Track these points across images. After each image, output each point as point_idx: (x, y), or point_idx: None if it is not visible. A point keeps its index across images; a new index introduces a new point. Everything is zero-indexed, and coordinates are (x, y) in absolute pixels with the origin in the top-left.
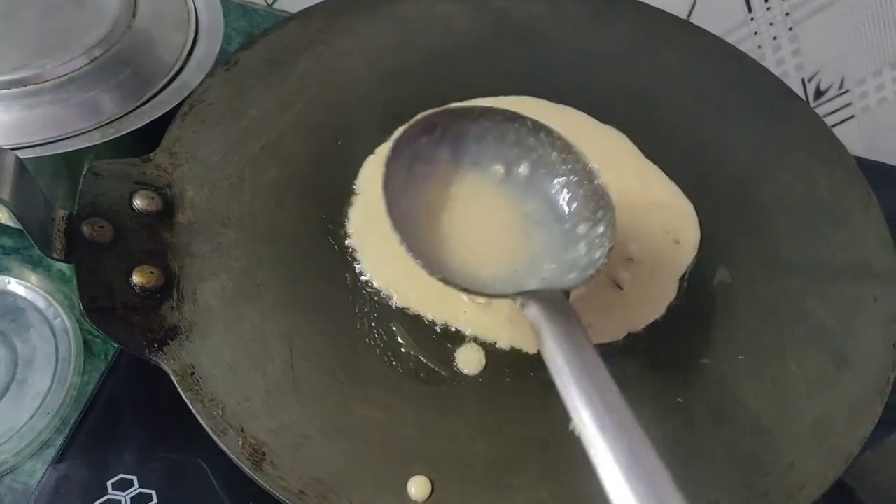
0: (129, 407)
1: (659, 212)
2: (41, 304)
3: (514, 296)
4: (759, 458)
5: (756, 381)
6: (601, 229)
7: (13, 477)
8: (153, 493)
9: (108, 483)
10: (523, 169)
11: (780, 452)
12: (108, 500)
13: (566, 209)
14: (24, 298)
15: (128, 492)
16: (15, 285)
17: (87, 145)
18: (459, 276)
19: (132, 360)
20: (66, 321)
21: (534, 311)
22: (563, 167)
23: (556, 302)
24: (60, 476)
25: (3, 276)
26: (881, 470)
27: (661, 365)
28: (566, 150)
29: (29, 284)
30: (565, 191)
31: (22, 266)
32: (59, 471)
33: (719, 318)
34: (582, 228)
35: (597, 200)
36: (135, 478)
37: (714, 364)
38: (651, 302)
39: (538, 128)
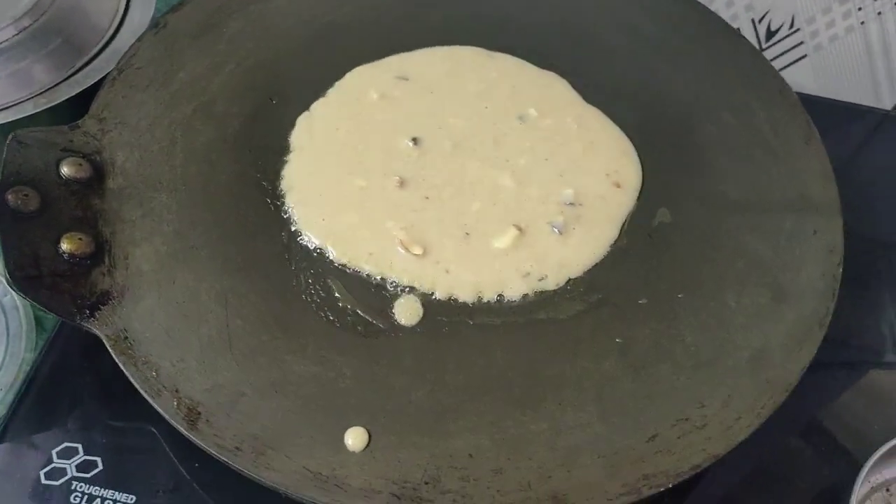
0: (73, 376)
1: (599, 155)
2: None
3: None
4: (698, 391)
5: (694, 317)
6: None
7: None
8: (98, 459)
9: (53, 452)
10: None
11: (718, 385)
12: (53, 468)
13: None
14: None
15: (72, 459)
16: None
17: (19, 116)
18: None
19: (75, 329)
20: (15, 298)
21: None
22: None
23: None
24: (6, 448)
25: None
26: (857, 412)
27: (600, 306)
28: None
29: None
30: None
31: None
32: (5, 443)
33: (659, 258)
34: None
35: None
36: (79, 445)
37: (653, 303)
38: (591, 246)
39: None
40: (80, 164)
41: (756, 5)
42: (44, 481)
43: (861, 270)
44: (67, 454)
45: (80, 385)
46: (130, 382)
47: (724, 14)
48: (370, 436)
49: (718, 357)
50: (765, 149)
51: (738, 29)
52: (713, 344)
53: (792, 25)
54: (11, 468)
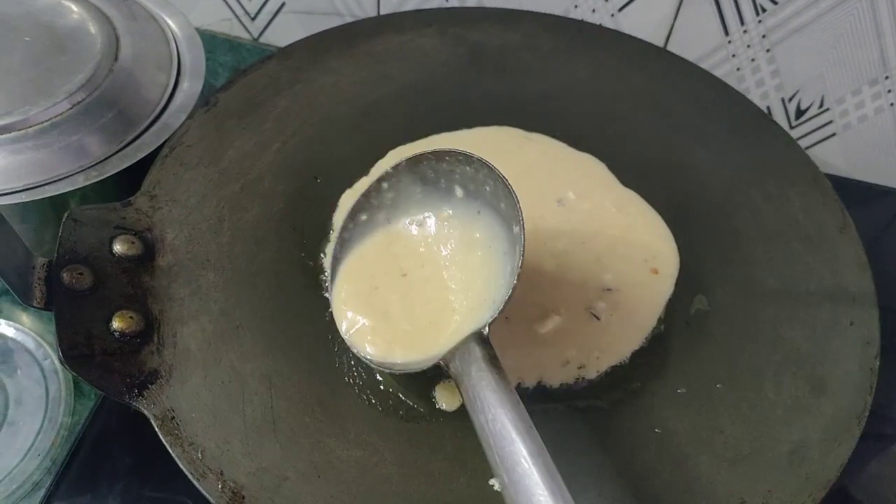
0: (115, 446)
1: (637, 239)
2: (31, 344)
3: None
4: (738, 485)
5: (734, 408)
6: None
7: None
8: None
9: None
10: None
11: (758, 480)
12: None
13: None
14: (14, 339)
15: None
16: (4, 326)
17: (71, 189)
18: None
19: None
20: (55, 362)
21: (453, 368)
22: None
23: (472, 352)
24: None
25: None
26: (887, 480)
27: (638, 394)
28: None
29: (19, 326)
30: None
31: (12, 307)
32: None
33: (696, 346)
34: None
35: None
36: None
37: (691, 393)
38: (630, 332)
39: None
40: (133, 242)
41: (786, 85)
42: None
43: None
44: None
45: (120, 457)
46: (169, 455)
47: (755, 93)
48: None
49: (758, 451)
50: (800, 237)
51: (769, 107)
52: (752, 437)
53: (822, 105)
54: None
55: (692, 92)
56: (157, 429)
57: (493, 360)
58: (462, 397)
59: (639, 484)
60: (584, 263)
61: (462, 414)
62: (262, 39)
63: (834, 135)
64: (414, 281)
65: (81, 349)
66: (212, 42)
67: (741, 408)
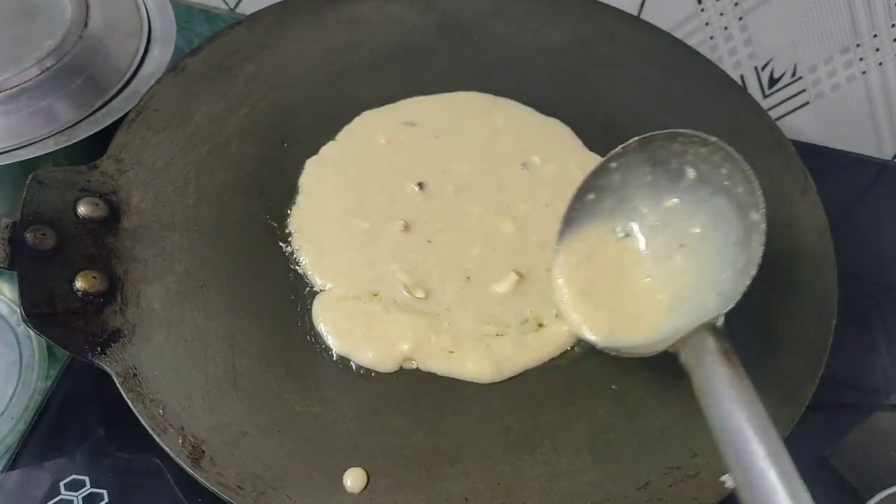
0: (83, 407)
1: None
2: (4, 310)
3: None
4: (691, 440)
5: None
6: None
7: None
8: (104, 492)
9: (61, 484)
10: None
11: (711, 435)
12: (61, 500)
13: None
14: None
15: (80, 492)
16: None
17: (41, 153)
18: None
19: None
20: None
21: (683, 358)
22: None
23: (705, 343)
24: (15, 479)
25: None
26: (864, 450)
27: (597, 352)
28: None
29: None
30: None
31: None
32: (14, 474)
33: None
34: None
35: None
36: (87, 478)
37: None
38: None
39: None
40: (97, 204)
41: (759, 53)
42: None
43: (862, 314)
44: (75, 486)
45: (88, 416)
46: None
47: (728, 61)
48: (369, 477)
49: None
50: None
51: (742, 76)
52: None
53: (794, 73)
54: (20, 498)
55: (662, 59)
56: (119, 386)
57: (729, 354)
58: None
59: (594, 439)
60: (547, 225)
61: (418, 372)
62: (238, 10)
63: (807, 103)
64: (629, 267)
65: (44, 308)
66: (188, 13)
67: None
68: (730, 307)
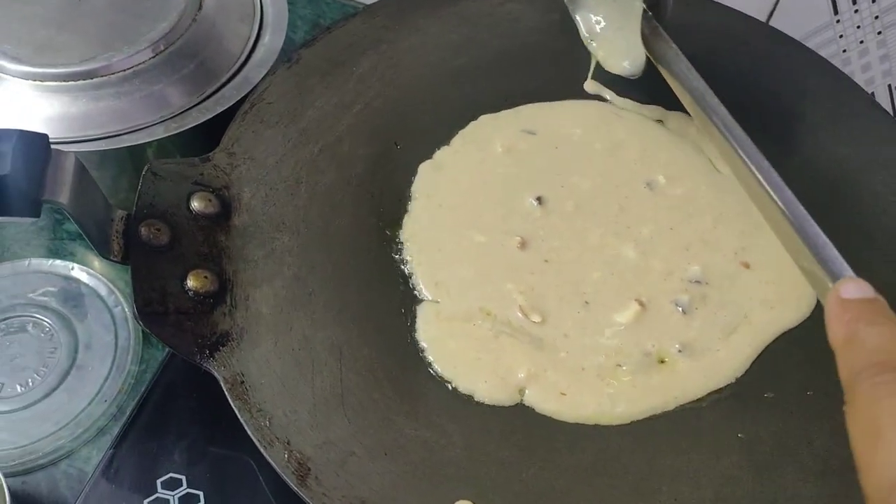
0: (182, 400)
1: (729, 229)
2: (103, 291)
3: None
4: (822, 501)
5: (824, 418)
6: None
7: (69, 462)
8: (200, 493)
9: (158, 482)
10: None
11: (846, 497)
12: (157, 498)
13: None
14: (87, 285)
15: (176, 491)
16: (78, 271)
17: (150, 139)
18: None
19: None
20: (126, 310)
21: None
22: None
23: None
24: (114, 467)
25: (67, 262)
26: None
27: (721, 395)
28: None
29: (92, 271)
30: None
31: (86, 252)
32: (114, 461)
33: (789, 349)
34: None
35: None
36: (183, 477)
37: (780, 399)
38: (716, 330)
39: None
40: (210, 200)
41: (895, 71)
42: None
43: None
44: (172, 485)
45: (188, 410)
46: (233, 414)
47: (860, 78)
48: None
49: (847, 465)
50: None
51: (874, 94)
52: (842, 450)
53: None
54: (119, 491)
55: (793, 72)
56: (226, 392)
57: None
58: None
59: (718, 491)
60: (670, 252)
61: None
62: None
63: None
64: None
65: (156, 306)
66: None
67: (832, 418)
68: None
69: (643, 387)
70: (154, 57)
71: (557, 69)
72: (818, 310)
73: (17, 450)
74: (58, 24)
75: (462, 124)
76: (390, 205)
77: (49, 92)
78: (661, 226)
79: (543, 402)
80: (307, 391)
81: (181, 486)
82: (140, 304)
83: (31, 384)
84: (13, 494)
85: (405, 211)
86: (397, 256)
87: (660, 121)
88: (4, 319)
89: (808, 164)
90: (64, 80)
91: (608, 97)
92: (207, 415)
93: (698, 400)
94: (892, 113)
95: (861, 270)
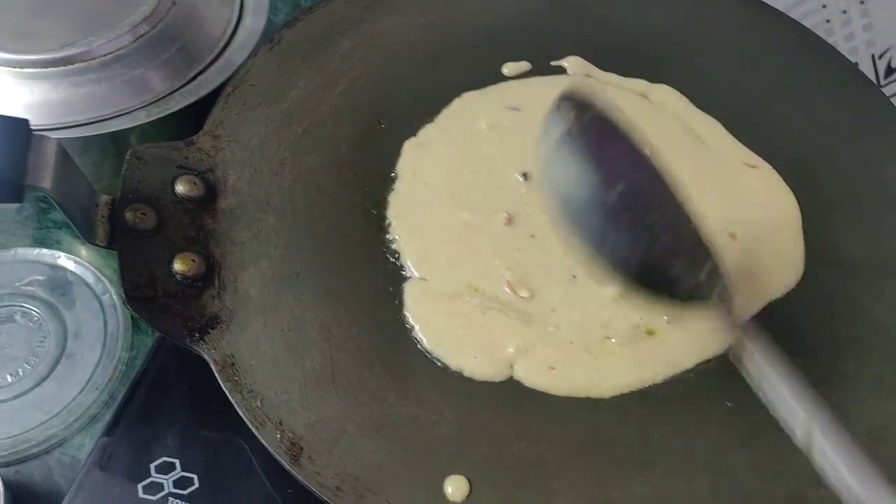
0: (174, 385)
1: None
2: (90, 279)
3: None
4: (808, 467)
5: (812, 386)
6: None
7: (62, 450)
8: (195, 476)
9: (152, 466)
10: None
11: None
12: (152, 482)
13: None
14: (74, 273)
15: (170, 475)
16: (65, 260)
17: (133, 124)
18: None
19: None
20: (114, 297)
21: None
22: None
23: None
24: (107, 453)
25: (54, 251)
26: None
27: (711, 366)
28: None
29: (79, 259)
30: None
31: (73, 240)
32: (107, 447)
33: (775, 319)
34: None
35: None
36: (177, 461)
37: None
38: None
39: None
40: (195, 183)
41: (878, 41)
42: (141, 495)
43: None
44: (165, 469)
45: (180, 394)
46: (225, 397)
47: (843, 47)
48: (471, 486)
49: None
50: (893, 206)
51: (857, 64)
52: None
53: None
54: (113, 476)
55: (778, 43)
56: (217, 374)
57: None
58: None
59: (710, 461)
60: None
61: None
62: None
63: None
64: None
65: (144, 290)
66: None
67: (819, 385)
68: None
69: (632, 359)
70: (135, 41)
71: (543, 46)
72: (804, 278)
73: (9, 439)
74: (36, 11)
75: (446, 101)
76: (376, 184)
77: (29, 79)
78: None
79: (533, 376)
80: (297, 371)
81: (175, 469)
82: (128, 289)
83: (21, 374)
84: (6, 484)
85: (391, 189)
86: (384, 235)
87: (643, 95)
88: None
89: (794, 134)
90: (44, 67)
91: (591, 72)
92: (199, 398)
93: (687, 371)
94: (876, 82)
95: (850, 235)
